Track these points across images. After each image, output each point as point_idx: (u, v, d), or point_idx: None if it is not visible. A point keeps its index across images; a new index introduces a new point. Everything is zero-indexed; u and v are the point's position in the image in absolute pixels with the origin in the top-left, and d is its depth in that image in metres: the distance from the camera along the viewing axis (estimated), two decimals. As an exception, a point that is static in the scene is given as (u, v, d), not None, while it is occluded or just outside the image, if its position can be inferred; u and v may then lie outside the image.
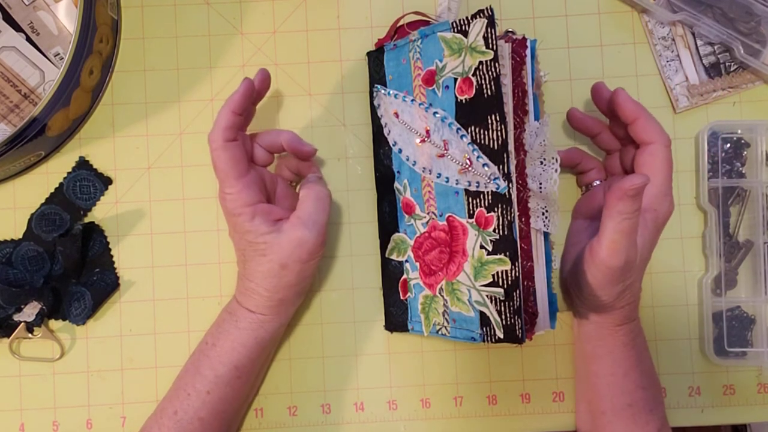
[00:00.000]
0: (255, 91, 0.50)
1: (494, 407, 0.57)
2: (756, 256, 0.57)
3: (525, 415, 0.57)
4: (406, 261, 0.55)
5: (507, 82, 0.49)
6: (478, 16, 0.47)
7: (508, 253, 0.47)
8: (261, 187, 0.51)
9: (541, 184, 0.50)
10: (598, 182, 0.55)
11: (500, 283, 0.48)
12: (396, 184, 0.55)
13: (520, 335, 0.47)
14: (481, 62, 0.47)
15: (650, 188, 0.49)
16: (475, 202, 0.49)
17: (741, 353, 0.57)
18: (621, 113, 0.50)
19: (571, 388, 0.57)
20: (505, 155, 0.47)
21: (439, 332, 0.52)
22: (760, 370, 0.57)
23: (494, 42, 0.47)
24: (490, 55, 0.47)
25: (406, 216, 0.55)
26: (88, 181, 0.57)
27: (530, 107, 0.50)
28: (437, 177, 0.51)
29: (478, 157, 0.48)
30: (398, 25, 0.56)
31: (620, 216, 0.45)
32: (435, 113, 0.50)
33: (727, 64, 0.58)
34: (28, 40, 0.51)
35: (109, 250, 0.57)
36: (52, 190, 0.57)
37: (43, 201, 0.57)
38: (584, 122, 0.54)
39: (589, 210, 0.55)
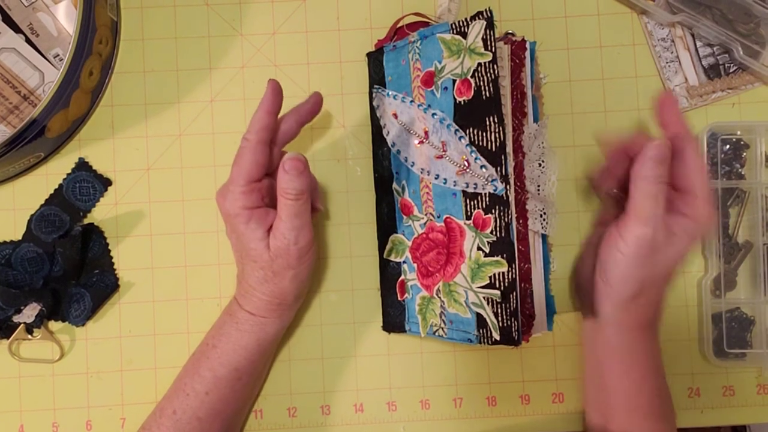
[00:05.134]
0: (281, 93, 0.49)
1: (494, 408, 0.57)
2: (755, 257, 0.57)
3: (524, 416, 0.57)
4: (404, 262, 0.55)
5: (506, 84, 0.49)
6: (477, 18, 0.47)
7: (505, 255, 0.47)
8: (265, 198, 0.49)
9: (539, 186, 0.50)
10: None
11: (497, 285, 0.48)
12: (394, 185, 0.55)
13: (516, 337, 0.47)
14: (479, 64, 0.47)
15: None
16: (472, 203, 0.49)
17: (740, 354, 0.56)
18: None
19: (571, 389, 0.57)
20: (502, 157, 0.47)
21: (436, 333, 0.52)
22: (760, 371, 0.57)
23: (493, 44, 0.47)
24: (489, 56, 0.47)
25: (405, 217, 0.55)
26: (88, 183, 0.57)
27: (529, 109, 0.50)
28: (435, 178, 0.51)
29: (476, 158, 0.48)
30: (398, 26, 0.56)
31: (644, 181, 0.45)
32: (434, 114, 0.50)
33: (726, 65, 0.57)
34: (28, 41, 0.51)
35: (109, 251, 0.57)
36: (52, 192, 0.57)
37: (42, 202, 0.57)
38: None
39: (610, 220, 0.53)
